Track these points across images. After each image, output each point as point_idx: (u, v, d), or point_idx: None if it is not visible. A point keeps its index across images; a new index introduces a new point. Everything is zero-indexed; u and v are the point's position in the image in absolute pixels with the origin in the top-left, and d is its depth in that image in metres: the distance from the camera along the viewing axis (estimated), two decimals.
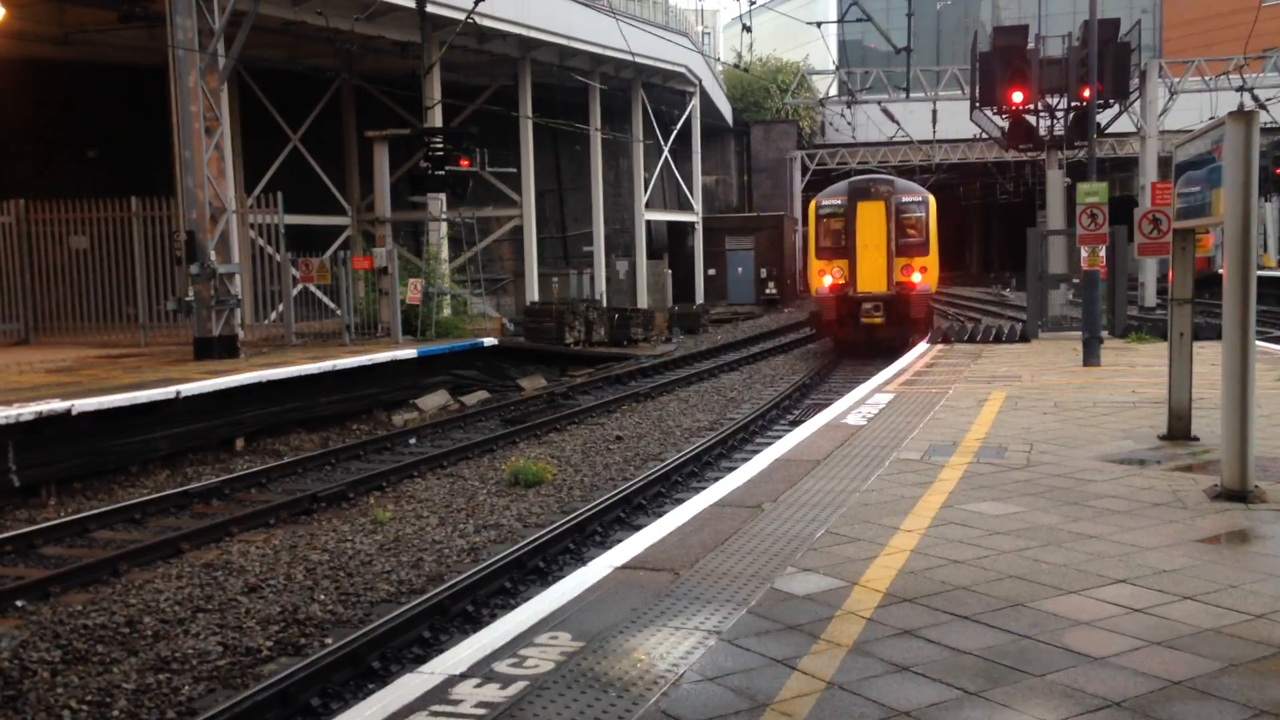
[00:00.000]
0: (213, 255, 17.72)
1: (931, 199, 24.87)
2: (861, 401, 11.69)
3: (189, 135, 17.44)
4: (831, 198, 24.72)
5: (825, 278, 24.14)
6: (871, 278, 23.87)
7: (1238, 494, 6.54)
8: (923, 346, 19.11)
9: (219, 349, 17.58)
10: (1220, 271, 6.72)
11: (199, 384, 14.15)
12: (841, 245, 24.07)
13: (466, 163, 21.51)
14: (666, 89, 38.78)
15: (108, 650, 7.30)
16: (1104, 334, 16.33)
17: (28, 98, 23.69)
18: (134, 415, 13.10)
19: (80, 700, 6.48)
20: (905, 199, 24.13)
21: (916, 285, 23.67)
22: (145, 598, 8.37)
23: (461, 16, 22.42)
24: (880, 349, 22.84)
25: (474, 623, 7.60)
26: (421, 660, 6.64)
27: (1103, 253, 15.37)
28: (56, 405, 12.15)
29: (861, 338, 24.25)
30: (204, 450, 14.26)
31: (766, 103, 53.06)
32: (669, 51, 34.88)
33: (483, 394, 19.88)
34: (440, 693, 4.04)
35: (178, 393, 13.68)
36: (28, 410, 11.81)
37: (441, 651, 5.34)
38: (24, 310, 21.13)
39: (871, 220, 23.86)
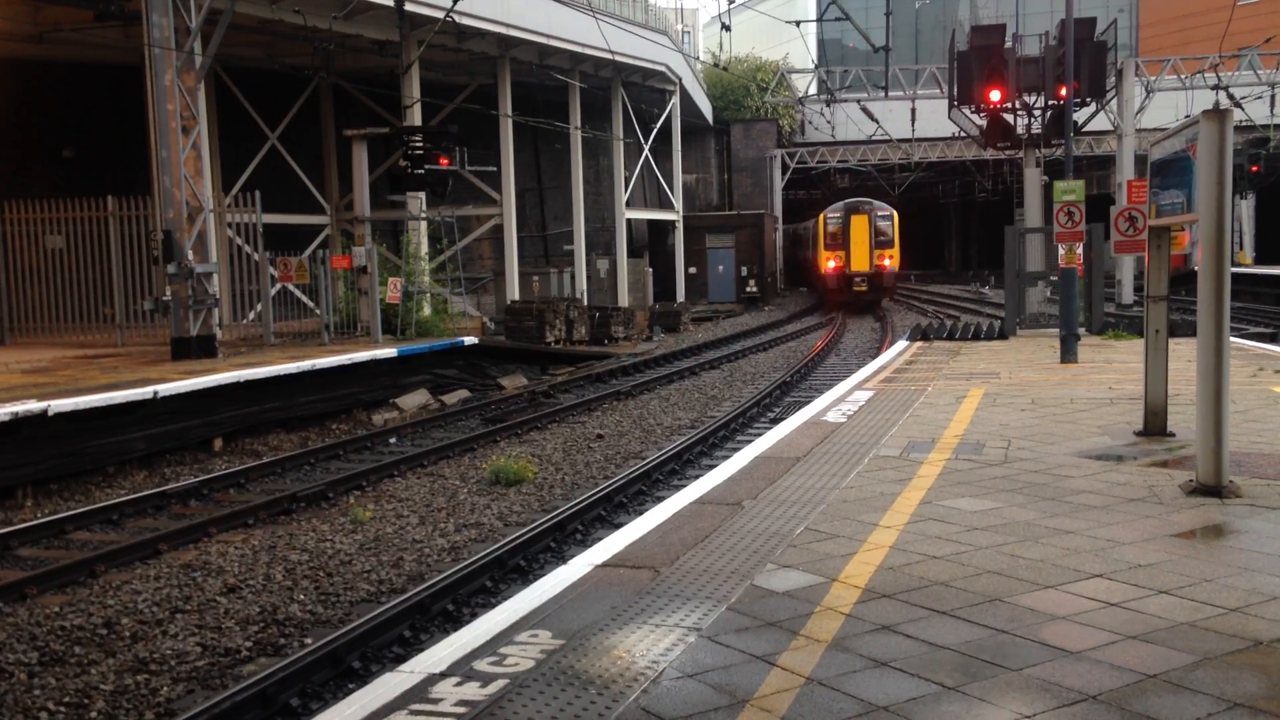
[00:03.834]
0: (190, 255, 17.62)
1: (895, 213, 39.32)
2: (842, 399, 11.72)
3: (166, 134, 17.33)
4: (834, 212, 39.02)
5: (830, 262, 38.51)
6: (860, 262, 38.17)
7: (1213, 489, 6.59)
8: (902, 344, 19.20)
9: (197, 349, 17.48)
10: (1196, 268, 6.76)
11: (176, 384, 14.07)
12: (840, 241, 38.34)
13: (446, 161, 21.46)
14: (646, 87, 38.77)
15: (85, 652, 7.26)
16: (1081, 331, 16.42)
17: (1, 97, 23.49)
18: (111, 416, 13.02)
19: (58, 702, 6.44)
20: (880, 213, 38.70)
21: (887, 267, 38.43)
22: (123, 599, 8.33)
23: (440, 15, 22.34)
24: (865, 343, 26.54)
25: (454, 621, 7.60)
26: (402, 659, 6.64)
27: (1080, 250, 15.45)
28: (33, 406, 12.06)
29: (853, 300, 38.19)
30: (182, 451, 14.19)
31: (746, 101, 53.11)
32: (648, 50, 34.86)
33: (463, 393, 19.85)
34: (420, 691, 4.04)
35: (155, 393, 13.60)
36: (3, 411, 11.72)
37: (422, 650, 5.32)
38: None
39: (860, 226, 38.31)
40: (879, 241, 37.99)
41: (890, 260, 38.31)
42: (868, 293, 38.18)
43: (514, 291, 29.46)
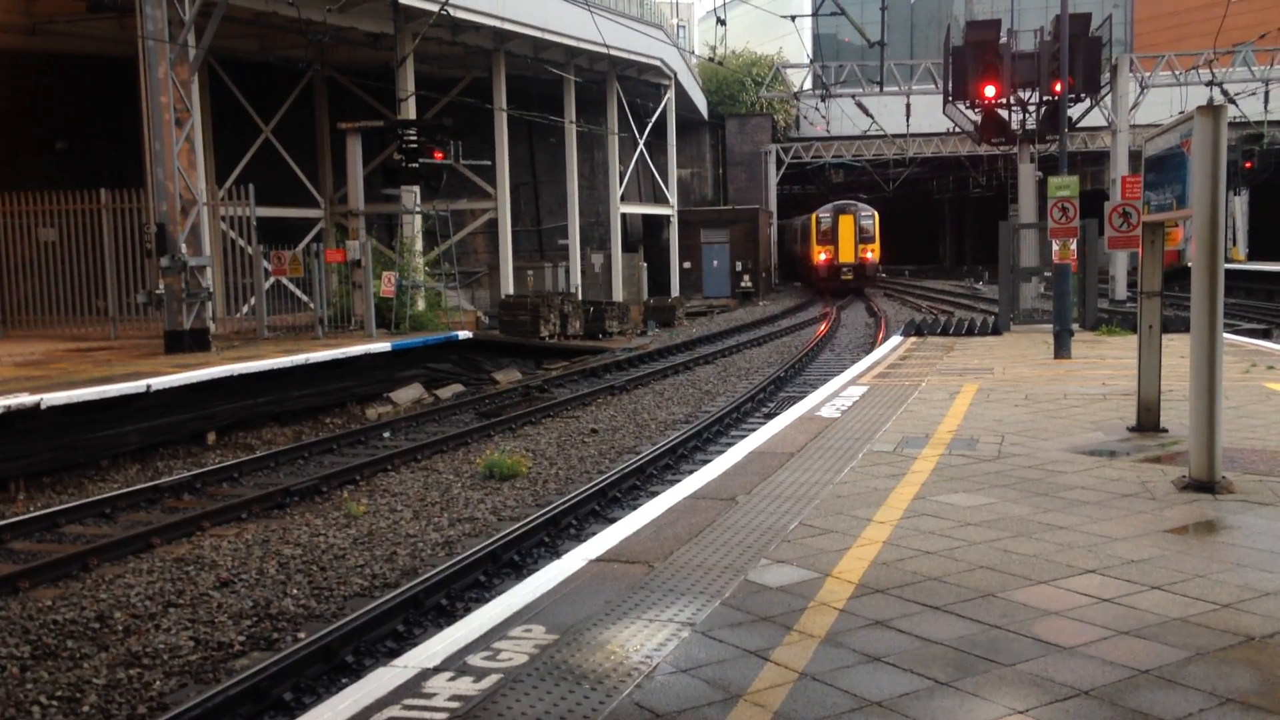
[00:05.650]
0: (183, 248, 17.57)
1: (876, 213, 46.47)
2: (836, 394, 11.73)
3: (159, 127, 17.28)
4: (825, 212, 46.30)
5: (821, 255, 45.75)
6: (846, 254, 45.58)
7: (1205, 485, 6.60)
8: (896, 339, 19.21)
9: (190, 342, 17.44)
10: (1190, 265, 6.76)
11: (170, 377, 14.04)
12: (830, 238, 45.66)
13: (440, 155, 21.41)
14: (641, 82, 38.71)
15: (78, 645, 7.25)
16: (1075, 327, 16.45)
17: None
18: (104, 409, 12.99)
19: (50, 696, 6.43)
20: (863, 213, 45.97)
21: (869, 259, 45.78)
22: (116, 593, 8.31)
23: (435, 8, 22.27)
24: (859, 338, 27.03)
25: (448, 616, 7.60)
26: (395, 654, 6.64)
27: (1074, 246, 15.48)
28: (25, 399, 12.02)
29: (841, 287, 45.23)
30: (175, 444, 14.16)
31: (741, 96, 53.10)
32: (644, 44, 34.79)
33: (457, 387, 19.83)
34: (413, 686, 4.04)
35: (148, 386, 13.57)
36: None
37: (415, 645, 5.32)
38: None
39: (846, 224, 45.54)
40: (863, 238, 45.50)
41: (872, 253, 45.89)
42: (853, 280, 45.73)
43: (508, 286, 29.41)
